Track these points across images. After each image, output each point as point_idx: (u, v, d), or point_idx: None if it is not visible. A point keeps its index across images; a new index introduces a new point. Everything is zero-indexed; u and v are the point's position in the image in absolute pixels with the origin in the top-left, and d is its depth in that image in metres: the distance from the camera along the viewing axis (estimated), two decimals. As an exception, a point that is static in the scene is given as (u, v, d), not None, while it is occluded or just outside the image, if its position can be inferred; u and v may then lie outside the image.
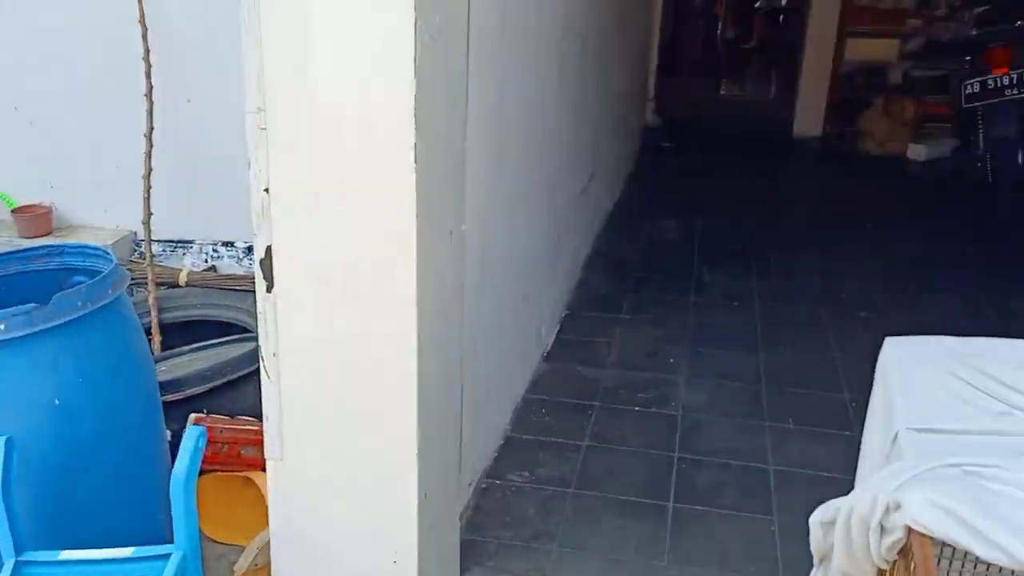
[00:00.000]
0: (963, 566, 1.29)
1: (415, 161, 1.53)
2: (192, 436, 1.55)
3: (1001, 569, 1.21)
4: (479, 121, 2.16)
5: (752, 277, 4.50)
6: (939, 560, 1.23)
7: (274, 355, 1.70)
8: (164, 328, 2.83)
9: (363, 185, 1.58)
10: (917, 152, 6.52)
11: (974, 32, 5.48)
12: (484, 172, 2.32)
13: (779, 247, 4.92)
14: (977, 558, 1.19)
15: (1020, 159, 5.00)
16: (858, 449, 1.70)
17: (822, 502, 1.46)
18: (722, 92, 8.84)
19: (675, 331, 3.86)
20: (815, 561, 1.56)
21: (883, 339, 1.75)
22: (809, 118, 7.09)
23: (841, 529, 1.40)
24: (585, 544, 2.50)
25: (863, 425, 1.71)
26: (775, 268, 4.62)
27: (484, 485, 2.73)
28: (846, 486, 1.73)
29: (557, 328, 3.77)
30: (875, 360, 1.72)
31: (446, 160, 1.74)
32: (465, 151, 1.86)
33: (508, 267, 2.79)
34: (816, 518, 1.47)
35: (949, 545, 1.20)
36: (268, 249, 1.64)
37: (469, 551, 2.40)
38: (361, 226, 1.60)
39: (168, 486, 1.52)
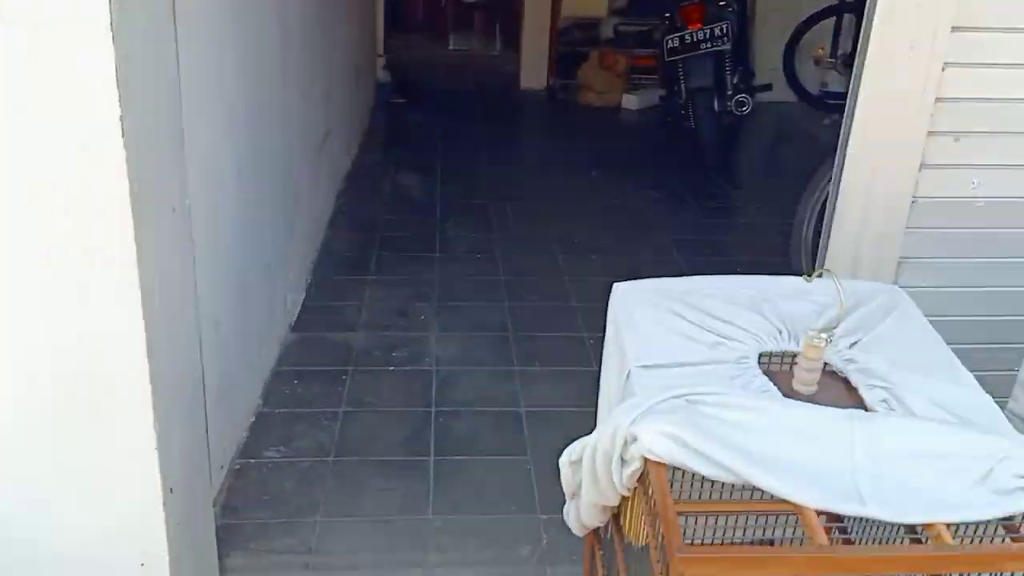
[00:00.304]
0: (691, 486, 1.44)
1: (123, 135, 1.40)
2: None
3: (724, 484, 1.35)
4: (197, 86, 2.02)
5: (493, 228, 4.64)
6: (672, 483, 1.36)
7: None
8: None
9: (68, 167, 1.42)
10: (631, 102, 7.01)
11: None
12: (208, 139, 2.17)
13: (515, 197, 5.11)
14: (703, 477, 1.33)
15: (716, 106, 5.53)
16: (598, 382, 1.83)
17: (571, 437, 1.55)
18: (451, 47, 8.93)
19: (424, 288, 3.90)
20: (567, 496, 1.67)
21: (613, 280, 1.88)
22: (533, 72, 7.37)
23: (587, 465, 1.50)
24: (350, 510, 2.49)
25: (601, 360, 1.85)
26: (513, 219, 4.79)
27: (238, 466, 2.62)
28: (589, 418, 1.86)
29: (303, 295, 3.67)
30: (606, 299, 1.84)
31: (159, 131, 1.60)
32: (181, 119, 1.73)
33: (245, 237, 2.66)
34: (565, 459, 1.56)
35: (679, 468, 1.33)
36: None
37: (227, 536, 2.31)
38: (69, 212, 1.44)
39: None
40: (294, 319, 3.49)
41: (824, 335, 1.50)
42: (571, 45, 7.45)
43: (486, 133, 6.45)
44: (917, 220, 2.24)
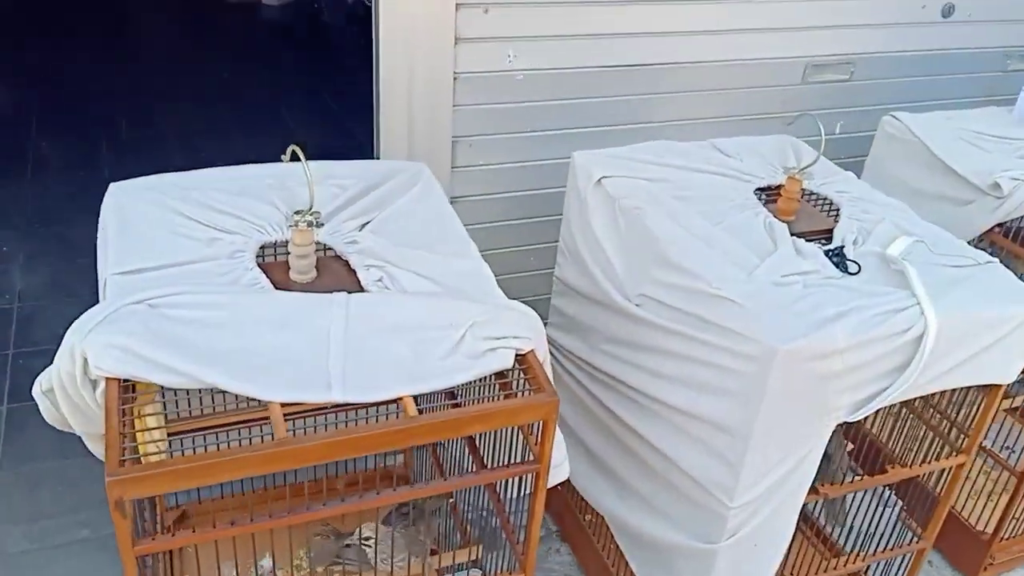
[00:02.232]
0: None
1: None
2: None
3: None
4: None
5: (102, 142, 4.13)
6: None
7: None
8: None
9: None
10: (270, -2, 6.59)
11: None
12: None
13: (132, 107, 4.59)
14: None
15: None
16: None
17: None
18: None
19: (10, 214, 3.39)
20: (59, 428, 1.46)
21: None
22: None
23: (60, 393, 1.31)
24: None
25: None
26: (129, 130, 4.31)
27: None
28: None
29: None
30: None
31: None
32: None
33: None
34: (37, 389, 1.36)
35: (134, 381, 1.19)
36: None
37: None
38: None
39: None
40: None
41: (309, 218, 1.41)
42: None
43: (101, 38, 5.69)
44: (463, 97, 2.24)
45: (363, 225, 1.60)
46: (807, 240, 1.84)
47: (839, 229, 1.84)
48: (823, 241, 1.84)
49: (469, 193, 2.37)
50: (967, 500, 2.44)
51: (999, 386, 1.80)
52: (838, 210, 1.95)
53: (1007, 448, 2.57)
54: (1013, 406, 2.50)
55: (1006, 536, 2.38)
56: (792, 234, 1.83)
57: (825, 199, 2.01)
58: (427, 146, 2.26)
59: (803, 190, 2.03)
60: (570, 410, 2.16)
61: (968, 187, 2.23)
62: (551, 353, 2.24)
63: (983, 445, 2.34)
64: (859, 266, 1.72)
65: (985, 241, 2.30)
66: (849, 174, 2.11)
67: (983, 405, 1.84)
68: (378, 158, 2.24)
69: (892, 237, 1.81)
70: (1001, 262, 1.81)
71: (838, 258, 1.73)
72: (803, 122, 2.85)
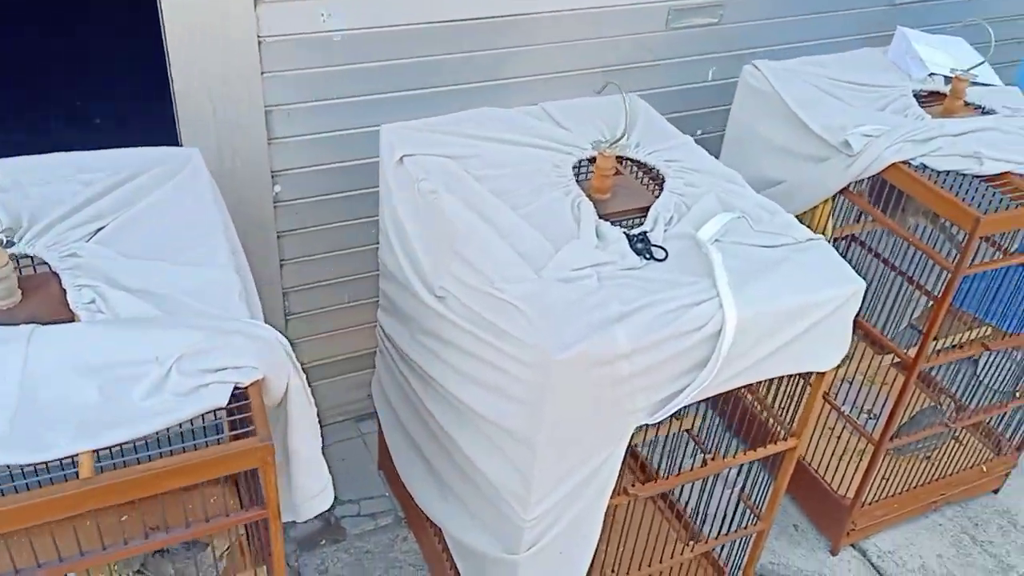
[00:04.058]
0: None
1: None
2: None
3: None
4: None
5: None
6: None
7: None
8: None
9: None
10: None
11: None
12: None
13: None
14: None
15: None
16: None
17: None
18: None
19: None
20: None
21: None
22: None
23: None
24: None
25: None
26: None
27: None
28: None
29: None
30: None
31: None
32: None
33: None
34: None
35: None
36: None
37: None
38: None
39: None
40: None
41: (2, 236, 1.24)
42: None
43: None
44: (272, 63, 2.03)
45: (96, 231, 1.42)
46: (621, 221, 1.70)
47: (655, 208, 1.69)
48: (640, 221, 1.69)
49: (290, 166, 2.18)
50: (836, 461, 2.36)
51: (823, 373, 1.69)
52: (664, 182, 1.80)
53: (868, 413, 2.50)
54: (896, 360, 2.40)
55: (867, 502, 2.31)
56: (604, 215, 1.68)
57: (652, 170, 1.85)
58: (235, 119, 2.05)
59: (630, 161, 1.88)
60: (401, 402, 2.03)
61: (821, 143, 2.08)
62: (381, 339, 2.11)
63: (842, 411, 2.25)
64: (666, 252, 1.58)
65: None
66: (686, 139, 1.94)
67: (809, 393, 1.73)
68: (179, 139, 2.04)
69: (711, 214, 1.67)
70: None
71: (642, 244, 1.58)
72: (674, 72, 2.68)
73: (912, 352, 2.03)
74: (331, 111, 2.16)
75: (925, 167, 1.93)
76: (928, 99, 2.26)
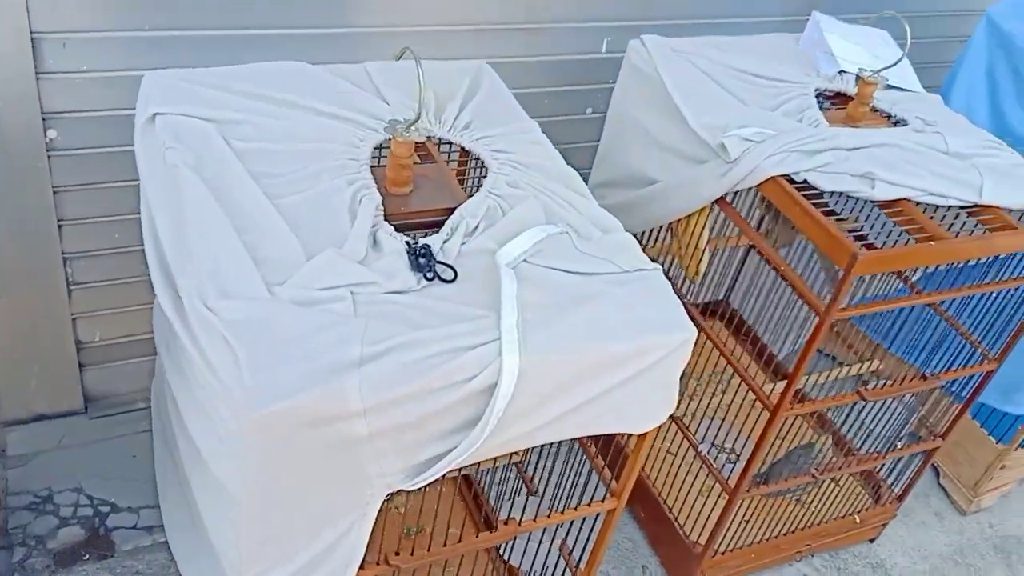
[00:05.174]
0: None
1: None
2: None
3: None
4: None
5: None
6: None
7: None
8: None
9: None
10: None
11: None
12: None
13: None
14: None
15: None
16: None
17: None
18: None
19: None
20: None
21: None
22: None
23: None
24: None
25: None
26: None
27: None
28: None
29: None
30: None
31: None
32: None
33: None
34: None
35: None
36: None
37: None
38: None
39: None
40: None
41: None
42: None
43: None
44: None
45: None
46: (415, 226, 1.36)
47: (460, 212, 1.35)
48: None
49: (67, 109, 1.80)
50: (695, 499, 2.09)
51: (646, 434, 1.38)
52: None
53: (729, 453, 2.23)
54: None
55: (721, 550, 2.05)
56: (396, 216, 1.34)
57: (477, 160, 1.51)
58: (-10, 44, 1.66)
59: (459, 147, 1.54)
60: (163, 412, 1.69)
61: (700, 143, 1.76)
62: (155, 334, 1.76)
63: (700, 452, 1.96)
64: (455, 272, 1.25)
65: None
66: (529, 125, 1.60)
67: (632, 453, 1.43)
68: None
69: (527, 226, 1.34)
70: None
71: (424, 259, 1.24)
72: (561, 39, 2.32)
73: (775, 396, 1.74)
74: (120, 45, 1.78)
75: (809, 184, 1.62)
76: (835, 100, 1.95)
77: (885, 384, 1.89)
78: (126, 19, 1.76)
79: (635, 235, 2.10)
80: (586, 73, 2.33)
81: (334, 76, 1.57)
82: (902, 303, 1.77)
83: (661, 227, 1.98)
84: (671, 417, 1.99)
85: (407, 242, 1.26)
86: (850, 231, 1.72)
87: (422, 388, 1.10)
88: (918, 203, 1.64)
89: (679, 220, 1.89)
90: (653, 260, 1.98)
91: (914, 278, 2.07)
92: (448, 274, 1.25)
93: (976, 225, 1.66)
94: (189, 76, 1.48)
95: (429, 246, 1.25)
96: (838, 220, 1.64)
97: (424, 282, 1.23)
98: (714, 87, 1.85)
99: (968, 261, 1.91)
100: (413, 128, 1.33)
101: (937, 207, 1.69)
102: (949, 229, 1.68)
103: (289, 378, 1.05)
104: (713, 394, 2.22)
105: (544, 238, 1.31)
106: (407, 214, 1.37)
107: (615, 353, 1.21)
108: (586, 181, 1.56)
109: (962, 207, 1.67)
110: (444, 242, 1.29)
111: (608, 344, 1.20)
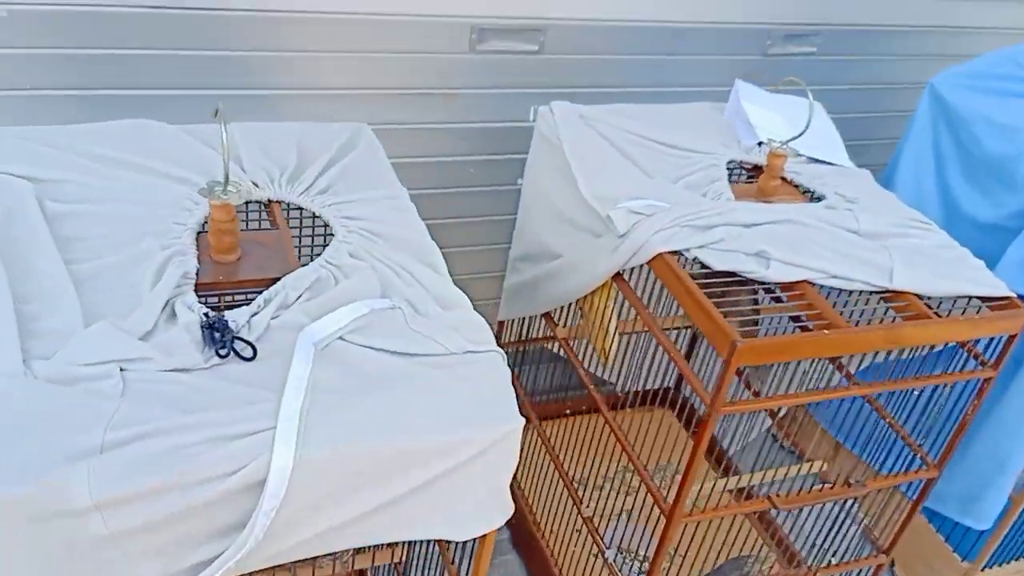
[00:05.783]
0: None
1: None
2: None
3: None
4: None
5: None
6: None
7: None
8: None
9: None
10: None
11: None
12: None
13: None
14: None
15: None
16: None
17: None
18: None
19: None
20: None
21: None
22: None
23: None
24: None
25: None
26: None
27: None
28: None
29: None
30: None
31: None
32: None
33: None
34: None
35: None
36: None
37: None
38: None
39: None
40: None
41: None
42: None
43: None
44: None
45: None
46: (236, 296, 1.25)
47: (282, 282, 1.24)
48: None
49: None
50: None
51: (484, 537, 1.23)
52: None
53: (641, 559, 2.04)
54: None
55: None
56: (217, 284, 1.23)
57: (327, 226, 1.41)
58: None
59: (307, 211, 1.43)
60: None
61: (596, 215, 1.64)
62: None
63: (606, 557, 1.78)
64: (254, 349, 1.13)
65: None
66: (397, 192, 1.49)
67: (474, 561, 1.27)
68: None
69: (354, 299, 1.22)
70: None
71: (219, 334, 1.12)
72: (485, 106, 2.23)
73: (671, 499, 1.57)
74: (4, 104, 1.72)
75: (700, 263, 1.48)
76: (753, 173, 1.82)
77: (814, 489, 1.70)
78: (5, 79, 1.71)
79: (549, 314, 1.99)
80: (514, 142, 2.24)
81: (188, 136, 1.49)
82: (802, 399, 1.59)
83: (571, 305, 1.85)
84: (581, 517, 1.83)
85: (205, 314, 1.15)
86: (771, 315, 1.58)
87: (168, 483, 0.96)
88: (822, 286, 1.49)
89: (584, 297, 1.76)
90: (567, 341, 1.85)
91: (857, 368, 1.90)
92: (248, 351, 1.12)
93: (887, 312, 1.50)
94: (27, 134, 1.41)
95: (225, 320, 1.13)
96: (737, 302, 1.50)
97: (216, 359, 1.11)
98: (615, 155, 1.73)
99: (903, 352, 1.76)
100: (230, 190, 1.22)
101: (851, 292, 1.54)
102: (861, 316, 1.53)
103: (11, 466, 0.92)
104: (627, 493, 2.05)
105: (367, 313, 1.19)
106: (228, 284, 1.25)
107: (418, 446, 1.07)
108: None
109: (874, 292, 1.51)
110: (252, 315, 1.17)
111: (407, 436, 1.06)
